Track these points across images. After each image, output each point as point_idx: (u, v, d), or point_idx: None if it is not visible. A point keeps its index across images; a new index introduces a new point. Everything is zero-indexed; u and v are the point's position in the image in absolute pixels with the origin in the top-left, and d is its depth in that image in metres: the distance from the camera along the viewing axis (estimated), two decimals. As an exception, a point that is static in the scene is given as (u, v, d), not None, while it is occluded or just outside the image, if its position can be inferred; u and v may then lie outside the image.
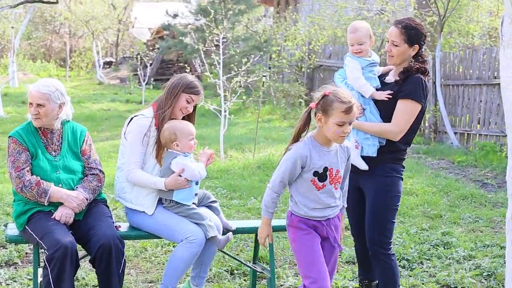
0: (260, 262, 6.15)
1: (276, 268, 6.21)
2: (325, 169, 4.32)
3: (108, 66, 38.67)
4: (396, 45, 4.97)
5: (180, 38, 23.26)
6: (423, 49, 5.06)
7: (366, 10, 18.10)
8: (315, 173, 4.31)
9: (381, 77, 5.19)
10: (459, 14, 16.63)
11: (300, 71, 21.44)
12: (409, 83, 4.91)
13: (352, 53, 5.11)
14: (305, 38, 20.99)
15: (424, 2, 15.75)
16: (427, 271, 6.45)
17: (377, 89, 5.03)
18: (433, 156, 13.34)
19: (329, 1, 19.68)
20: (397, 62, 5.03)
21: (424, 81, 4.94)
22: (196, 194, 5.20)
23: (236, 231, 5.46)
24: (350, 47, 5.12)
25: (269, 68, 20.78)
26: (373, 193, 4.97)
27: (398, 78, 4.98)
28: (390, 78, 5.10)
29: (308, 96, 20.67)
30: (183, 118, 5.29)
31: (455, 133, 14.59)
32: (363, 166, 4.96)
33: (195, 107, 5.37)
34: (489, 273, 6.34)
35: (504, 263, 6.43)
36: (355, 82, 5.02)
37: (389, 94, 4.91)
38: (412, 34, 4.94)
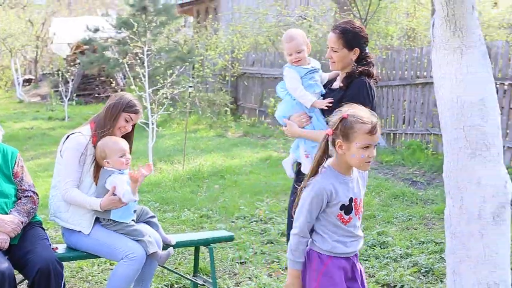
0: (200, 274, 6.10)
1: (217, 279, 6.17)
2: (351, 199, 3.82)
3: (27, 84, 37.89)
4: (335, 51, 4.90)
5: (102, 52, 22.98)
6: (366, 52, 4.98)
7: (287, 16, 18.25)
8: (342, 207, 3.80)
9: (329, 83, 5.14)
10: (378, 16, 16.89)
11: (224, 80, 21.44)
12: (353, 87, 4.82)
13: (291, 63, 5.02)
14: (227, 46, 21.02)
15: (345, 7, 15.94)
16: (366, 272, 6.48)
17: (322, 95, 4.99)
18: (361, 157, 13.43)
19: (251, 9, 19.76)
20: (339, 67, 4.97)
21: (369, 83, 4.84)
22: (135, 211, 5.13)
23: (175, 245, 5.41)
24: (288, 57, 5.02)
25: (193, 78, 20.71)
26: None
27: (342, 84, 4.91)
28: (337, 84, 5.03)
29: (233, 105, 20.71)
30: (122, 137, 5.20)
31: (382, 133, 14.78)
32: None
33: (133, 125, 5.29)
34: (426, 269, 6.43)
35: (441, 258, 6.57)
36: (294, 92, 4.94)
37: (329, 102, 4.84)
38: (350, 37, 4.87)
